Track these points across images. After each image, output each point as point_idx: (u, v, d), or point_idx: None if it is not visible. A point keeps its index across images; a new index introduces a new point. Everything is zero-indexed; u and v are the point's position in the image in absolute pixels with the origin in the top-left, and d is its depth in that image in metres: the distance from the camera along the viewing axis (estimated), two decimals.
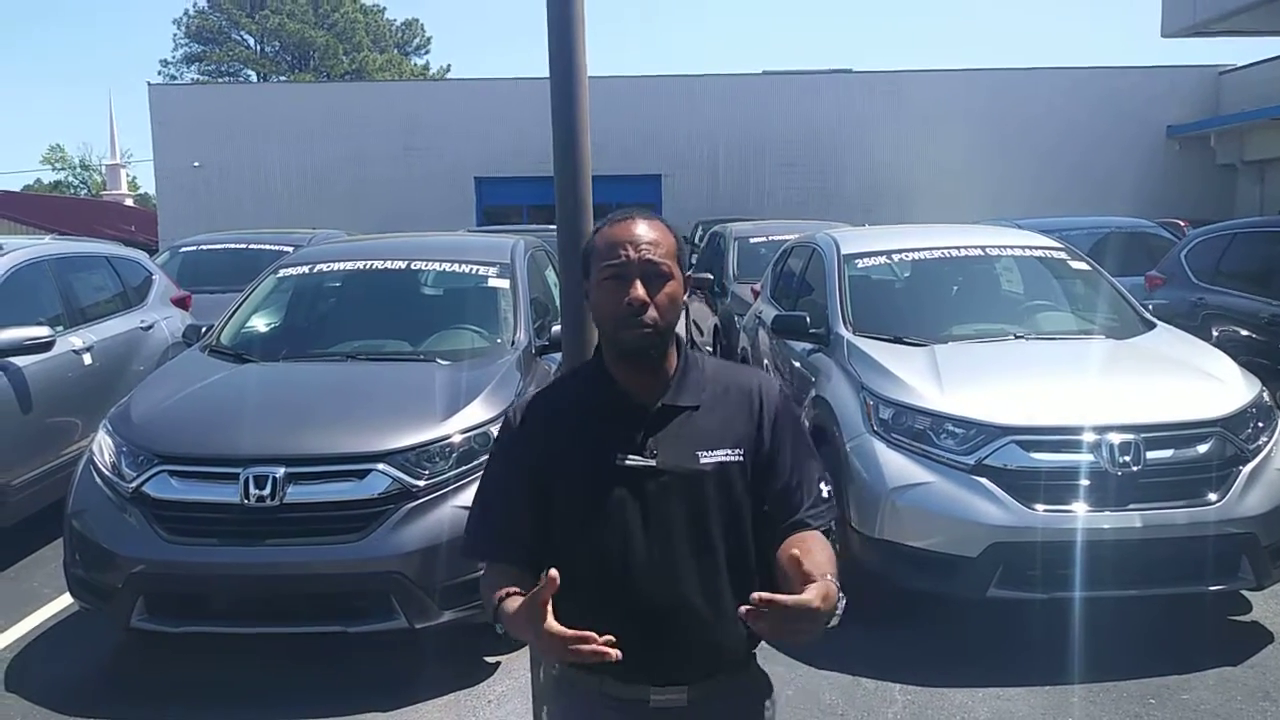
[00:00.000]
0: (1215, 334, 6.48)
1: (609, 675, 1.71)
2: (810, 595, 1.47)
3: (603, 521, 1.69)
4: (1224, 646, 4.14)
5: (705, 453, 1.70)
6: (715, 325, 10.09)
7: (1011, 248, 5.83)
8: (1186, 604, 4.31)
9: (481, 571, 4.15)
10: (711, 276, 10.45)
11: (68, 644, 4.52)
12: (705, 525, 1.69)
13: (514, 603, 1.63)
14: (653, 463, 1.69)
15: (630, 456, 1.69)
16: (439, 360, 4.80)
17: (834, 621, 1.55)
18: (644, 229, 1.71)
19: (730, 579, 1.72)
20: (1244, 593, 4.43)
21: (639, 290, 1.66)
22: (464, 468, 4.07)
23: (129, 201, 49.87)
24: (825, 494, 1.77)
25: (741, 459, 1.71)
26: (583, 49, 3.39)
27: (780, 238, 9.46)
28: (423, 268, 5.74)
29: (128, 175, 56.24)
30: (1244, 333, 6.47)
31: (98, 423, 6.01)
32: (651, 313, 1.67)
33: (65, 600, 4.68)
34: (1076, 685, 3.85)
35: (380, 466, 3.95)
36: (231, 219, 21.89)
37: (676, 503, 1.69)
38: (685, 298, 1.77)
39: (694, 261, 17.05)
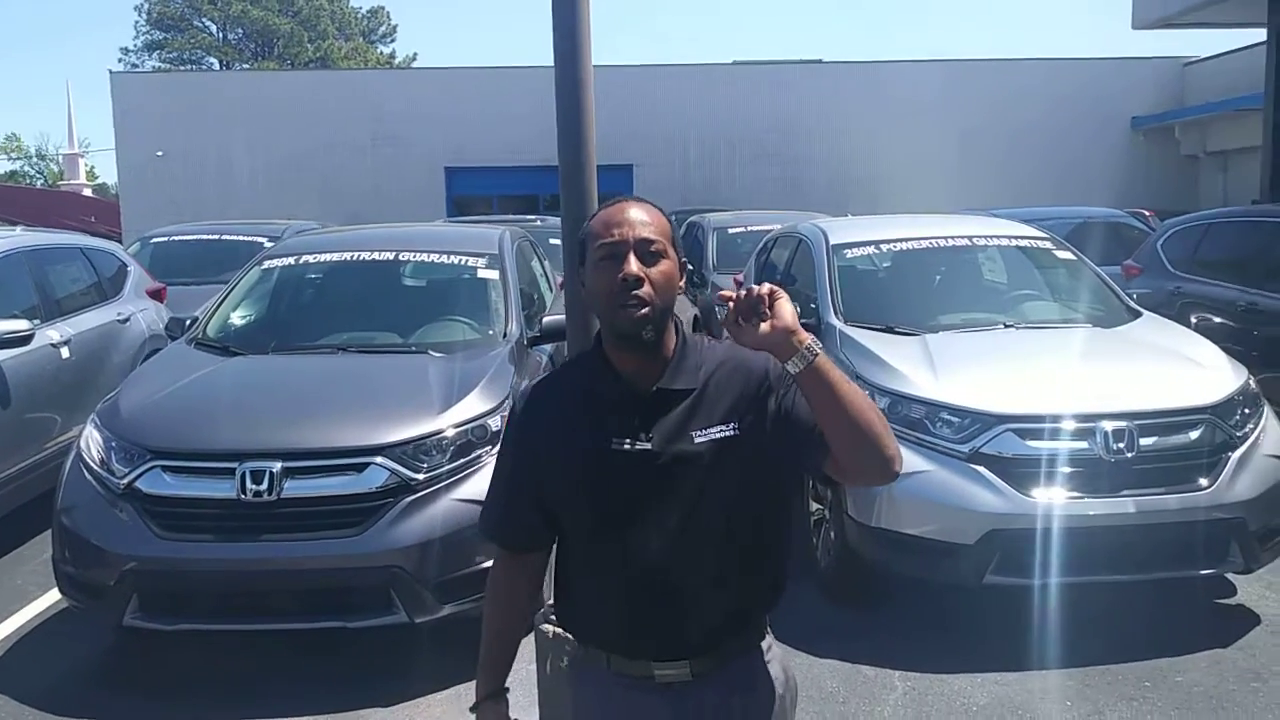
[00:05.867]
0: (1193, 322, 6.56)
1: (615, 653, 1.80)
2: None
3: (602, 505, 1.74)
4: (1213, 629, 4.22)
5: (699, 432, 1.72)
6: (695, 316, 10.07)
7: (998, 237, 5.87)
8: (1174, 588, 4.38)
9: (488, 563, 4.15)
10: (690, 266, 10.44)
11: (56, 642, 4.45)
12: (702, 505, 1.72)
13: (491, 717, 1.89)
14: (648, 446, 1.71)
15: (625, 441, 1.72)
16: (431, 352, 4.76)
17: (796, 364, 1.59)
18: (637, 211, 1.74)
19: (730, 558, 1.76)
20: (1229, 576, 4.51)
21: (632, 265, 1.67)
22: (462, 460, 4.05)
23: (88, 191, 49.00)
24: None
25: (737, 433, 1.72)
26: (588, 40, 3.38)
27: (760, 228, 9.47)
28: (410, 259, 5.68)
29: (86, 165, 55.29)
30: (1220, 320, 6.58)
31: (76, 418, 5.95)
32: (646, 289, 1.67)
33: (52, 597, 4.60)
34: (1073, 670, 3.90)
35: (379, 460, 3.91)
36: (196, 209, 21.58)
37: (672, 484, 1.72)
38: (682, 284, 1.77)
39: None
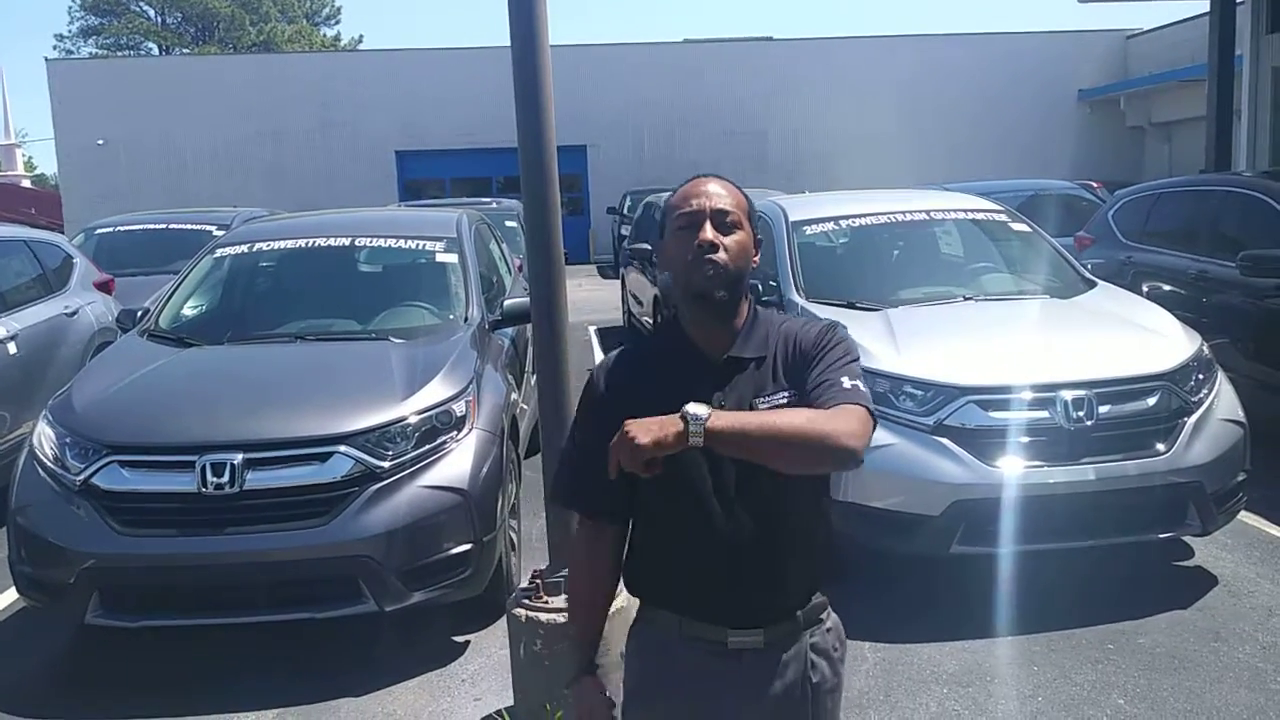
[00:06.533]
0: (1145, 291, 6.65)
1: (689, 616, 1.84)
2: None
3: (673, 469, 1.77)
4: (1172, 591, 4.31)
5: (763, 399, 1.79)
6: (655, 296, 10.05)
7: (955, 211, 5.92)
8: (1134, 552, 4.47)
9: (457, 549, 4.11)
10: (650, 247, 10.40)
11: (16, 642, 4.35)
12: (770, 473, 1.75)
13: (590, 697, 1.92)
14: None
15: (695, 405, 1.73)
16: (392, 338, 4.70)
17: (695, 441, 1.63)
18: (714, 185, 1.84)
19: (803, 526, 1.83)
20: (1186, 539, 4.61)
21: (708, 231, 1.77)
22: (427, 446, 4.01)
23: (26, 183, 47.74)
24: (847, 385, 1.77)
25: (792, 400, 1.79)
26: (544, 18, 3.33)
27: None
28: (367, 244, 5.60)
29: (23, 155, 53.82)
30: (1172, 289, 6.68)
31: (26, 415, 5.82)
32: (720, 254, 1.77)
33: (10, 597, 4.50)
34: (1038, 635, 3.97)
35: (342, 449, 3.86)
36: (140, 199, 21.14)
37: None
38: (755, 258, 1.85)
39: (625, 233, 17.00)
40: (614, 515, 1.90)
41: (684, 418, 1.61)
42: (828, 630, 1.91)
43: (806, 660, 1.86)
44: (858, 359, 1.84)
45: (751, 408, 1.76)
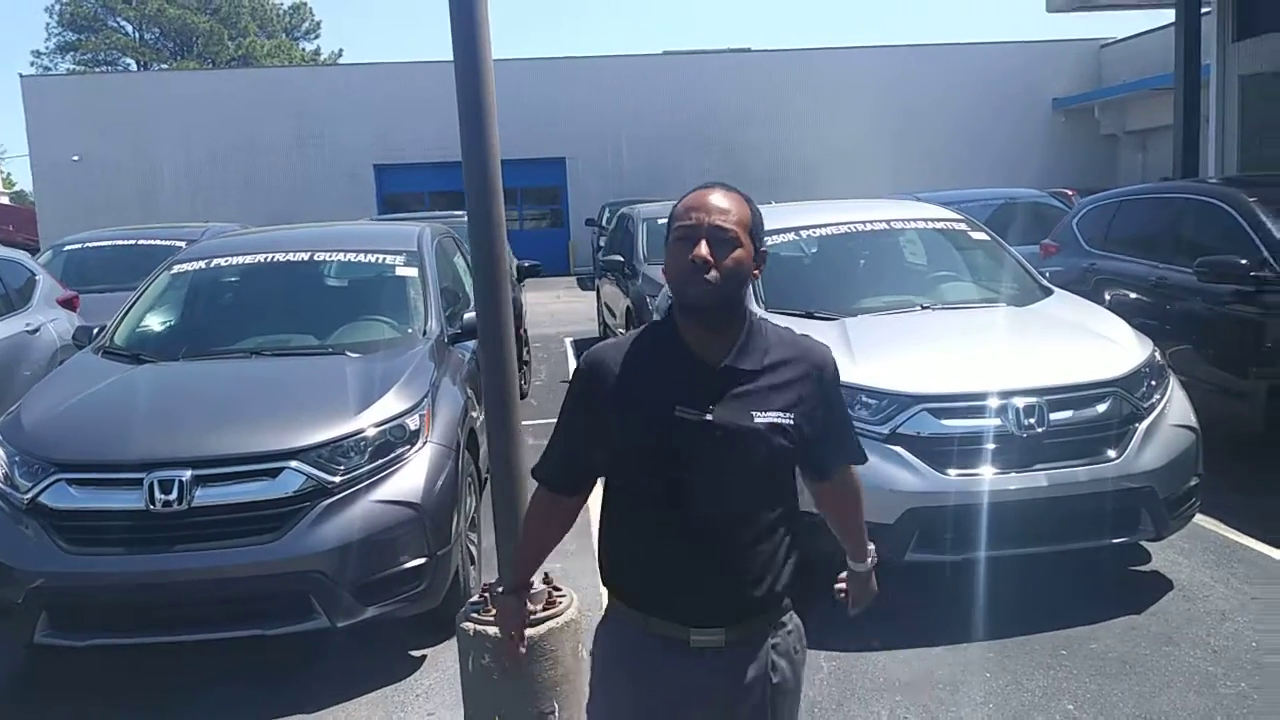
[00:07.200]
0: (1107, 298, 6.70)
1: (654, 615, 1.90)
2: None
3: (656, 467, 1.85)
4: (1128, 596, 4.33)
5: (759, 413, 1.83)
6: (627, 307, 10.06)
7: (915, 221, 5.95)
8: (1092, 558, 4.48)
9: (411, 564, 4.09)
10: (623, 259, 10.43)
11: None
12: (752, 480, 1.85)
13: (510, 608, 2.20)
14: (709, 417, 1.82)
15: (689, 410, 1.82)
16: (349, 353, 4.68)
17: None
18: (718, 198, 1.85)
19: (771, 532, 1.88)
20: (1143, 543, 4.62)
21: (702, 249, 1.79)
22: (380, 461, 3.99)
23: (5, 199, 47.47)
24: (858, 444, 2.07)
25: (792, 422, 1.85)
26: (486, 32, 3.33)
27: None
28: (326, 258, 5.58)
29: (2, 173, 53.53)
30: (1134, 296, 6.73)
31: None
32: (713, 273, 1.79)
33: None
34: (992, 642, 3.98)
35: (293, 464, 3.84)
36: (116, 215, 21.03)
37: (727, 457, 1.83)
38: (757, 271, 1.88)
39: (601, 244, 17.00)
40: (578, 492, 2.01)
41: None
42: (789, 632, 1.97)
43: (768, 661, 1.91)
44: None
45: (749, 420, 1.82)
